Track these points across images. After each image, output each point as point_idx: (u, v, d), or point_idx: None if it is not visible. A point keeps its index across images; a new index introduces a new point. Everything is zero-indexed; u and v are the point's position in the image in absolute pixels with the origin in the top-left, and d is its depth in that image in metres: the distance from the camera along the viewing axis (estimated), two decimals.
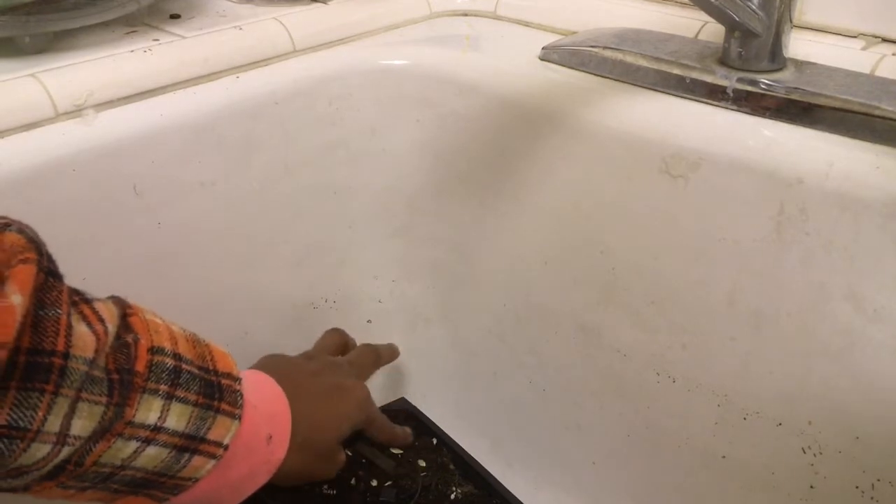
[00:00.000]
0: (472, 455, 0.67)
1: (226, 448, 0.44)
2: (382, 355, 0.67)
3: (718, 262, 0.56)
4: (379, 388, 0.75)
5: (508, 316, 0.71)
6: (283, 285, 0.70)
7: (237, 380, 0.45)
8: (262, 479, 0.48)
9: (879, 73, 0.56)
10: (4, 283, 0.32)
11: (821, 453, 0.55)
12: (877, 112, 0.50)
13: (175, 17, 0.69)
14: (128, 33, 0.64)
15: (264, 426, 0.47)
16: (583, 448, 0.70)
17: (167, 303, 0.61)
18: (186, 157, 0.60)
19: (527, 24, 0.74)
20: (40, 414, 0.33)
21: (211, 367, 0.43)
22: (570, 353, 0.68)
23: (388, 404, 0.72)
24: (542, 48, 0.66)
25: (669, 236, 0.58)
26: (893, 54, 0.57)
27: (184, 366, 0.41)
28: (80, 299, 0.37)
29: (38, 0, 0.58)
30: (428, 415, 0.71)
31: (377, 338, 0.76)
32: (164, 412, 0.40)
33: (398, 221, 0.74)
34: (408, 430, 0.66)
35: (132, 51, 0.60)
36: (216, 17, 0.68)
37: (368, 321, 0.76)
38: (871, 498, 0.53)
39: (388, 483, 0.64)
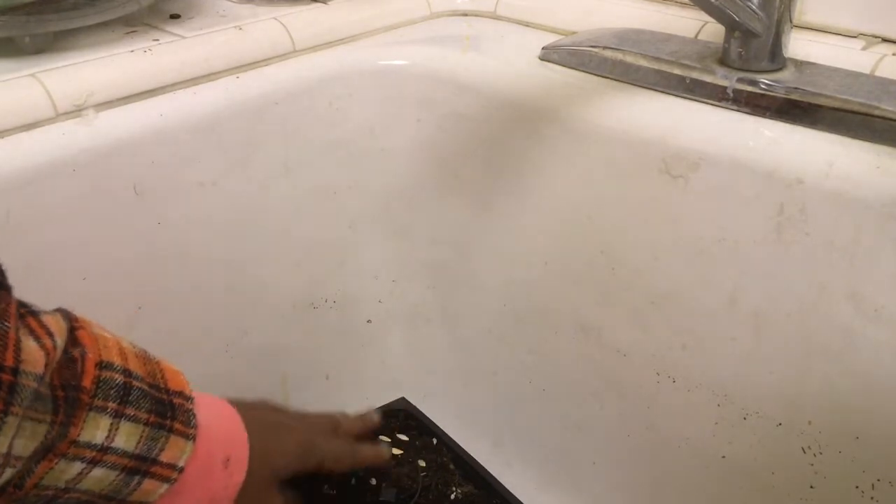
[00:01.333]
0: (472, 455, 0.67)
1: (180, 471, 0.41)
2: (342, 422, 0.58)
3: (718, 262, 0.56)
4: (379, 388, 0.75)
5: (508, 316, 0.71)
6: (283, 285, 0.70)
7: (190, 399, 0.42)
8: None
9: (879, 73, 0.56)
10: None
11: (821, 453, 0.55)
12: (877, 112, 0.50)
13: (175, 17, 0.69)
14: (128, 33, 0.65)
15: (220, 448, 0.44)
16: (583, 448, 0.70)
17: (167, 302, 0.62)
18: (186, 157, 0.60)
19: (527, 24, 0.74)
20: None
21: (162, 385, 0.41)
22: (570, 353, 0.68)
23: (388, 404, 0.72)
24: (542, 48, 0.66)
25: (669, 236, 0.58)
26: (893, 54, 0.57)
27: (134, 382, 0.39)
28: (26, 312, 0.35)
29: (38, 0, 0.58)
30: (428, 415, 0.71)
31: (377, 338, 0.76)
32: (113, 431, 0.37)
33: (398, 221, 0.74)
34: (381, 448, 0.59)
35: (132, 51, 0.60)
36: (216, 17, 0.68)
37: (368, 321, 0.76)
38: (871, 498, 0.53)
39: (388, 483, 0.64)
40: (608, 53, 0.62)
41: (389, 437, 0.69)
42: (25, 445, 0.33)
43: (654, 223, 0.59)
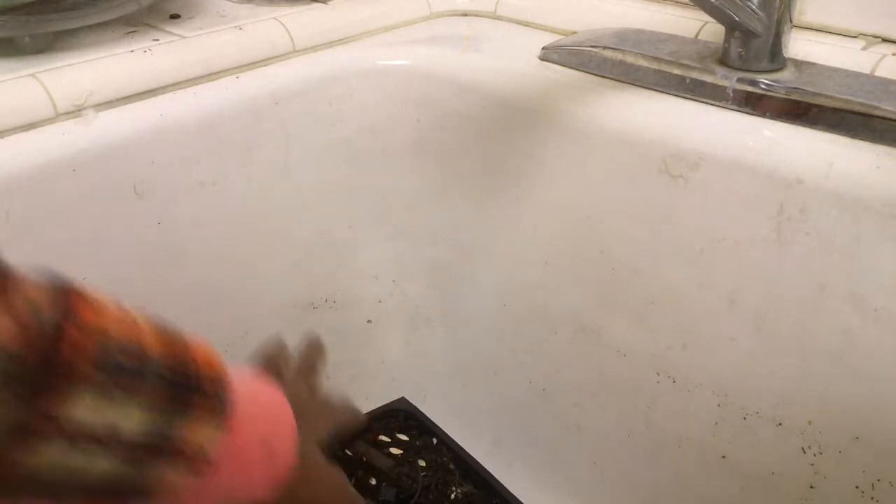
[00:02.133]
0: (472, 455, 0.67)
1: (208, 460, 0.36)
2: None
3: (718, 262, 0.56)
4: (379, 388, 0.75)
5: (508, 316, 0.71)
6: (283, 285, 0.70)
7: (221, 383, 0.38)
8: (261, 495, 0.41)
9: (879, 73, 0.56)
10: None
11: (821, 453, 0.55)
12: (877, 112, 0.50)
13: (175, 17, 0.69)
14: (128, 33, 0.65)
15: (261, 435, 0.41)
16: (583, 448, 0.70)
17: (167, 302, 0.61)
18: (186, 157, 0.60)
19: (527, 24, 0.74)
20: None
21: (186, 369, 0.36)
22: (569, 353, 0.68)
23: (388, 404, 0.72)
24: (542, 48, 0.66)
25: (669, 236, 0.58)
26: (893, 54, 0.57)
27: (146, 360, 0.34)
28: (7, 282, 0.31)
29: (38, 0, 0.58)
30: (428, 415, 0.71)
31: (377, 338, 0.76)
32: (112, 413, 0.33)
33: (398, 221, 0.74)
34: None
35: (132, 51, 0.60)
36: (216, 18, 0.68)
37: (368, 321, 0.76)
38: (872, 498, 0.53)
39: (388, 483, 0.64)
40: (608, 53, 0.62)
41: (389, 437, 0.69)
42: None
43: (654, 223, 0.59)
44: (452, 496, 0.64)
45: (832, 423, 0.54)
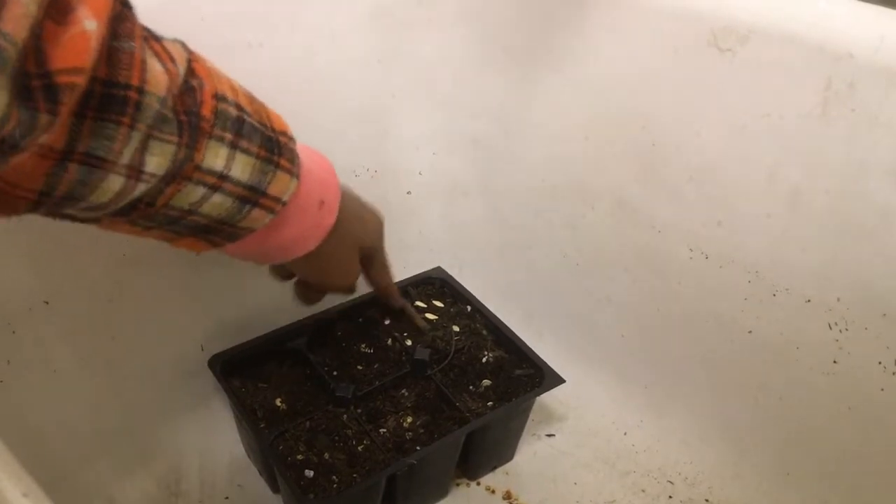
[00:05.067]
0: (505, 323, 0.69)
1: (283, 204, 0.45)
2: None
3: (761, 137, 0.56)
4: (417, 257, 0.76)
5: (546, 190, 0.72)
6: (325, 152, 0.70)
7: (292, 139, 0.45)
8: (311, 244, 0.50)
9: None
10: (77, 8, 0.29)
11: (846, 329, 0.56)
12: None
13: None
14: None
15: (317, 190, 0.48)
16: (612, 321, 0.72)
17: None
18: (233, 15, 0.60)
19: None
20: (117, 146, 0.33)
21: (268, 124, 0.43)
22: (605, 228, 0.69)
23: (425, 272, 0.74)
24: None
25: (713, 111, 0.58)
26: None
27: (245, 117, 0.41)
28: (149, 36, 0.36)
29: None
30: (463, 284, 0.73)
31: (416, 208, 0.78)
32: (230, 161, 0.40)
33: (440, 94, 0.74)
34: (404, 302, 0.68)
35: None
36: None
37: (408, 192, 0.77)
38: (893, 374, 0.54)
39: (423, 344, 0.66)
40: None
41: (425, 304, 0.71)
42: (159, 164, 0.36)
43: (698, 98, 0.59)
44: (484, 359, 0.66)
45: (861, 300, 0.55)
